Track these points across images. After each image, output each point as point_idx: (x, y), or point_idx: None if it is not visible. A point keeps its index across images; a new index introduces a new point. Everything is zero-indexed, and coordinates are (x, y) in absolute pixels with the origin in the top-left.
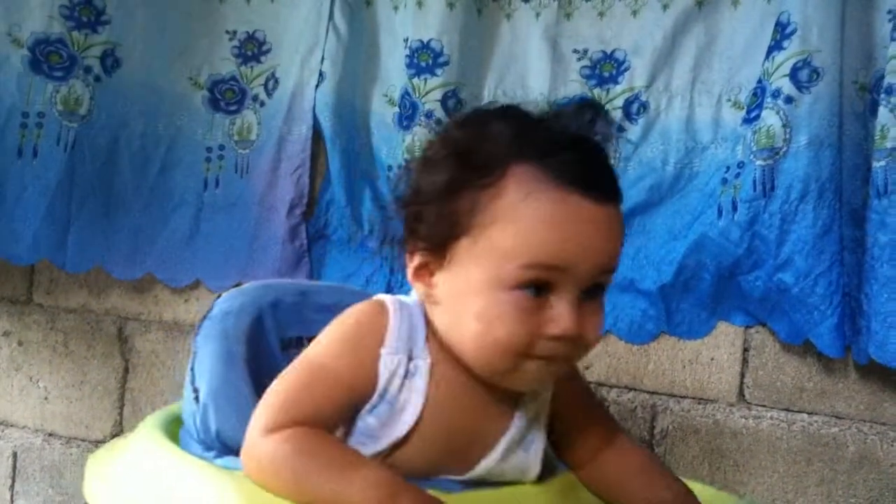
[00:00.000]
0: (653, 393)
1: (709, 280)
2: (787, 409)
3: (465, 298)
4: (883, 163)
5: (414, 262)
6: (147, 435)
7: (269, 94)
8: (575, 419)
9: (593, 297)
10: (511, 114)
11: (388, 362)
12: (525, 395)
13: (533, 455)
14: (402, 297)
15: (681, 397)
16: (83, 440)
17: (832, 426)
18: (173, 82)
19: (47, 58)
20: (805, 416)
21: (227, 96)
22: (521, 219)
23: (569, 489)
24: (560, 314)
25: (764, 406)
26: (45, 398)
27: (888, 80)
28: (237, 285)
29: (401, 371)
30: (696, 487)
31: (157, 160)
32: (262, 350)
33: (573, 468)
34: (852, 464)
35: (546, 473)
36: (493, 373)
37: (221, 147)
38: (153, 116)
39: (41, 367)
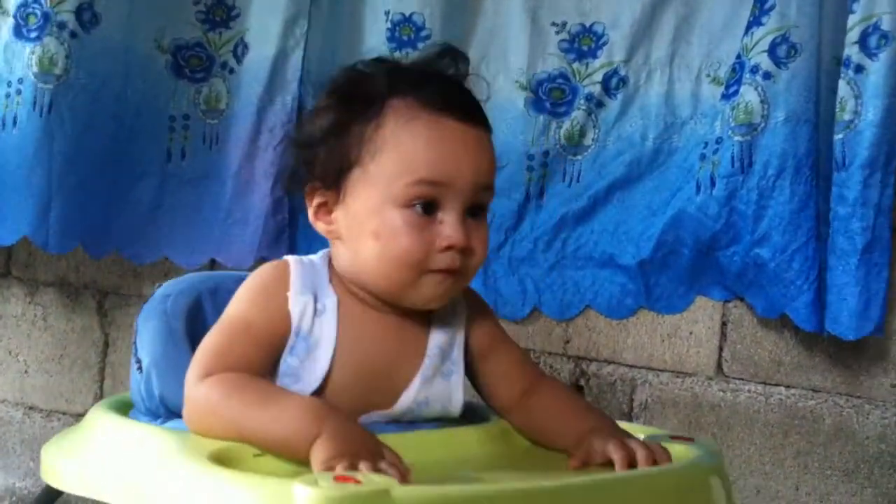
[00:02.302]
0: (632, 367)
1: (687, 255)
2: (765, 383)
3: (361, 224)
4: (841, 135)
5: (313, 203)
6: (97, 414)
7: (238, 61)
8: (497, 362)
9: (477, 216)
10: (383, 60)
11: (296, 303)
12: (435, 323)
13: (454, 383)
14: (304, 256)
15: (660, 371)
16: (64, 413)
17: (809, 399)
18: (141, 42)
19: (26, 20)
20: (782, 389)
21: (191, 63)
22: (403, 143)
23: (502, 433)
24: (448, 227)
25: (742, 379)
26: (25, 372)
27: (847, 52)
28: (212, 262)
29: (310, 309)
30: (631, 427)
31: (127, 127)
32: (201, 329)
33: (502, 414)
34: (829, 436)
35: (480, 421)
36: (396, 288)
37: (186, 117)
38: (125, 78)
39: (20, 341)
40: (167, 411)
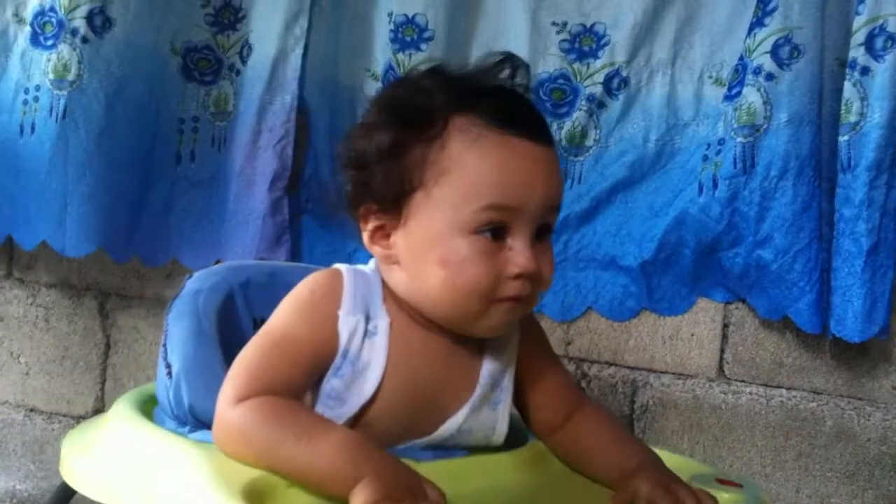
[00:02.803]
0: (633, 368)
1: (689, 256)
2: (766, 385)
3: (426, 250)
4: (846, 137)
5: (369, 226)
6: (121, 413)
7: (244, 62)
8: (542, 384)
9: (543, 239)
10: (438, 71)
11: (347, 323)
12: (488, 351)
13: (500, 412)
14: (357, 266)
15: (661, 373)
16: (65, 415)
17: (810, 401)
18: (154, 45)
19: (43, 28)
20: (783, 391)
21: (200, 66)
22: (470, 165)
23: (538, 458)
24: (519, 253)
25: (743, 381)
26: (27, 373)
27: (852, 54)
28: (217, 263)
29: (360, 331)
30: (675, 460)
31: (140, 131)
32: (234, 328)
33: (541, 437)
34: (830, 438)
35: (516, 444)
36: (461, 318)
37: (196, 119)
38: (137, 82)
39: (22, 343)
40: (195, 419)
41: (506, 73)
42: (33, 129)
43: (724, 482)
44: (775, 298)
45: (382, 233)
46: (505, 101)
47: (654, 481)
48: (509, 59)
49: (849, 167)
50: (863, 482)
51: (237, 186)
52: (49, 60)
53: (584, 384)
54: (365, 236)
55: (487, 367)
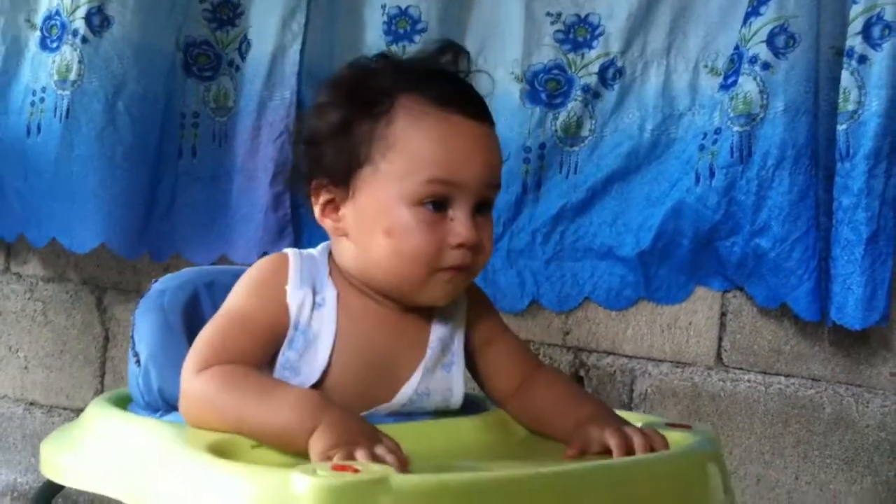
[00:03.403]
0: (632, 357)
1: (686, 246)
2: (764, 372)
3: (373, 221)
4: (845, 126)
5: (320, 200)
6: (95, 409)
7: (242, 58)
8: (495, 352)
9: (484, 213)
10: (386, 56)
11: (295, 296)
12: (436, 317)
13: (455, 375)
14: (303, 250)
15: (659, 361)
16: (64, 409)
17: (808, 388)
18: (154, 42)
19: (50, 32)
20: (782, 378)
21: (199, 61)
22: (415, 141)
23: (499, 422)
24: (460, 224)
25: (741, 369)
26: (26, 367)
27: (850, 42)
28: (223, 257)
29: (308, 302)
30: (627, 415)
31: (142, 127)
32: (199, 322)
33: (499, 403)
34: (828, 425)
35: (478, 411)
36: (407, 287)
37: (196, 114)
38: (137, 79)
39: (21, 337)
40: (166, 404)
41: (448, 58)
42: (39, 129)
43: (674, 425)
44: (773, 286)
45: (332, 206)
46: (447, 83)
47: (603, 426)
48: (450, 46)
49: (847, 156)
50: (861, 468)
51: (239, 181)
52: (54, 62)
53: (582, 374)
54: (316, 210)
55: (436, 331)
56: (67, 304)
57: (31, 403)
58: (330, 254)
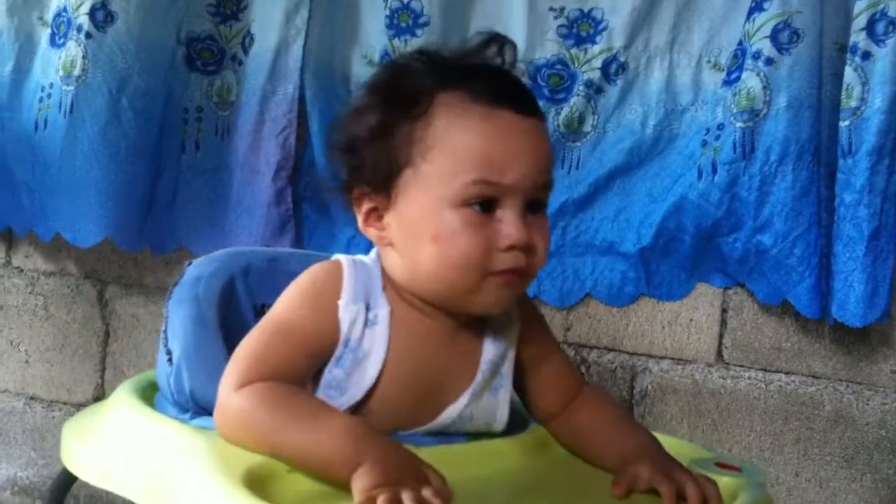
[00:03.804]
0: (632, 354)
1: (688, 242)
2: (765, 369)
3: (417, 227)
4: (847, 122)
5: (362, 209)
6: (123, 400)
7: (245, 52)
8: (542, 370)
9: (536, 213)
10: (425, 53)
11: (347, 312)
12: (488, 337)
13: (501, 399)
14: (357, 256)
15: (660, 358)
16: (65, 403)
17: (809, 386)
18: (157, 36)
19: (58, 28)
20: (782, 375)
21: (203, 56)
22: (456, 139)
23: (540, 443)
24: (509, 225)
25: (742, 366)
26: (26, 362)
27: (853, 39)
28: None
29: (360, 319)
30: (674, 444)
31: (146, 122)
32: (234, 314)
33: (542, 422)
34: (828, 422)
35: (517, 429)
36: (457, 295)
37: (199, 109)
38: (141, 74)
39: (21, 331)
40: (196, 405)
41: (492, 51)
42: (46, 124)
43: (724, 466)
44: (775, 283)
45: (376, 215)
46: (489, 77)
47: (654, 466)
48: (495, 37)
49: (850, 152)
50: (861, 466)
51: (241, 176)
52: (60, 58)
53: (583, 370)
54: (359, 220)
55: (488, 353)
56: (68, 298)
57: (32, 398)
58: (382, 265)
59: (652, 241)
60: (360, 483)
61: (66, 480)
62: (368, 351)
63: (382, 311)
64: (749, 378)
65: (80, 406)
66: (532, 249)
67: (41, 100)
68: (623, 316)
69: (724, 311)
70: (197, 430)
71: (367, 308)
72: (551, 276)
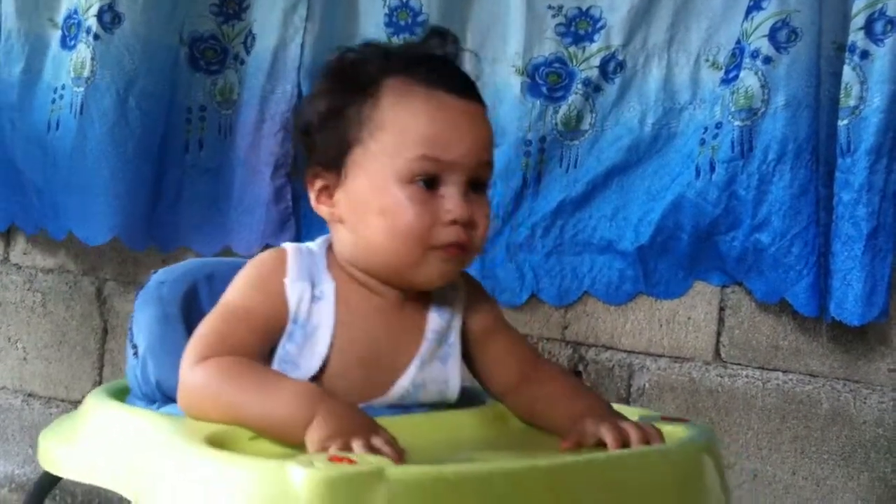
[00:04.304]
0: (630, 352)
1: (686, 240)
2: (763, 368)
3: (365, 203)
4: (846, 121)
5: (315, 187)
6: (94, 401)
7: (247, 52)
8: (494, 346)
9: (479, 192)
10: (373, 44)
11: (293, 289)
12: (433, 307)
13: (451, 367)
14: (303, 244)
15: (658, 356)
16: (63, 400)
17: (806, 384)
18: (162, 37)
19: (69, 31)
20: (780, 374)
21: (206, 55)
22: (402, 118)
23: (496, 416)
24: (451, 201)
25: (739, 364)
26: (24, 359)
27: (852, 38)
28: (227, 248)
29: (307, 296)
30: (624, 409)
31: (152, 121)
32: (197, 316)
33: (499, 398)
34: (826, 421)
35: (474, 405)
36: (403, 266)
37: (202, 108)
38: (147, 74)
39: (19, 328)
40: (163, 396)
41: (435, 42)
42: (58, 125)
43: (669, 419)
44: (772, 282)
45: (327, 193)
46: (431, 63)
47: (600, 419)
48: (436, 30)
49: (848, 151)
50: (858, 464)
51: (242, 174)
52: (71, 60)
53: (581, 368)
54: (312, 198)
55: (433, 322)
56: (66, 295)
57: (30, 395)
58: (329, 247)
59: (650, 240)
60: (313, 435)
61: (48, 483)
62: (317, 325)
63: (328, 286)
64: (746, 376)
65: (77, 403)
66: (473, 225)
67: (54, 101)
68: (621, 314)
69: (721, 309)
70: (164, 416)
71: (313, 285)
72: (549, 274)
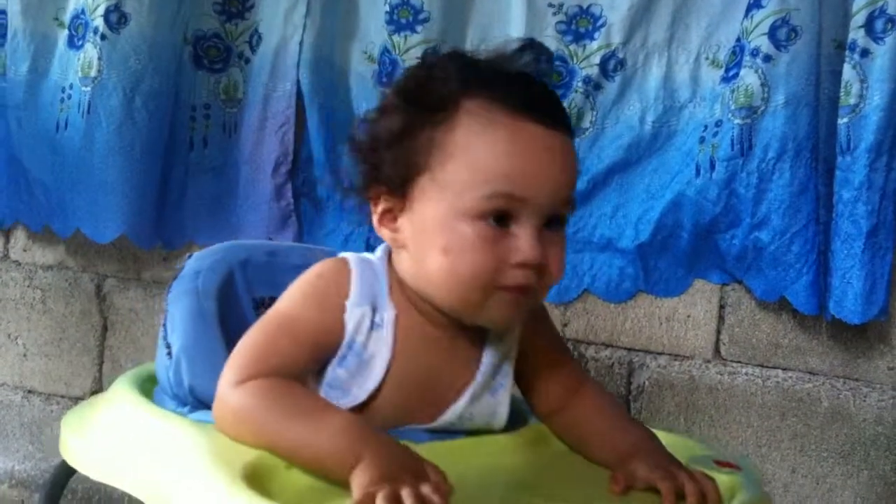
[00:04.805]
0: (630, 350)
1: (686, 238)
2: (762, 366)
3: (429, 235)
4: (846, 119)
5: (378, 209)
6: (122, 392)
7: (253, 51)
8: (543, 367)
9: (555, 230)
10: (456, 55)
11: (354, 314)
12: (490, 339)
13: (500, 399)
14: (364, 255)
15: (657, 354)
16: (63, 397)
17: (806, 382)
18: (167, 36)
19: (77, 30)
20: (780, 372)
21: (210, 54)
22: (477, 150)
23: (538, 439)
24: (523, 242)
25: (739, 362)
26: (24, 355)
27: (852, 36)
28: None
29: (366, 322)
30: (672, 440)
31: (157, 120)
32: (234, 308)
33: (542, 418)
34: (825, 419)
35: (517, 425)
36: (463, 307)
37: (207, 106)
38: (153, 73)
39: (19, 325)
40: (195, 399)
41: (528, 58)
42: (66, 125)
43: (722, 464)
44: (772, 280)
45: (390, 216)
46: (518, 85)
47: (652, 463)
48: (531, 45)
49: (848, 149)
50: (858, 462)
51: (246, 172)
52: (79, 60)
53: (581, 366)
54: (374, 219)
55: (489, 354)
56: (66, 291)
57: (30, 391)
58: (389, 261)
59: (650, 238)
60: (359, 479)
61: (64, 474)
62: (373, 354)
63: (388, 314)
64: (746, 374)
65: (77, 400)
66: (544, 268)
67: (62, 101)
68: (621, 312)
69: (721, 307)
70: (196, 425)
71: (374, 310)
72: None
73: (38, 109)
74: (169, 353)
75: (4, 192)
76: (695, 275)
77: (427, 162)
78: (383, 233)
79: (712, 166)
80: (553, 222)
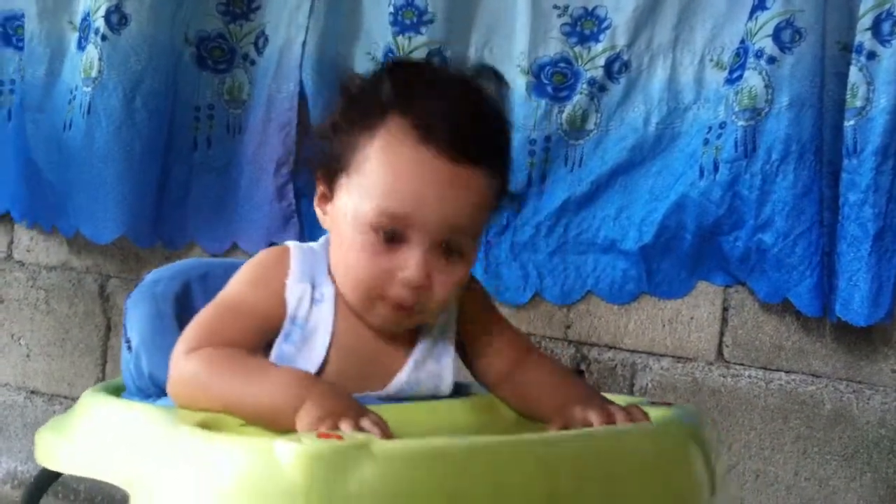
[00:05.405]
0: (633, 352)
1: (689, 240)
2: (765, 368)
3: (341, 229)
4: (852, 122)
5: (318, 190)
6: (88, 398)
7: (259, 53)
8: (485, 339)
9: (451, 258)
10: (406, 66)
11: (294, 290)
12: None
13: (445, 365)
14: (306, 243)
15: (660, 356)
16: (65, 397)
17: (809, 384)
18: (168, 36)
19: (84, 32)
20: (783, 374)
21: (214, 54)
22: (381, 166)
23: (488, 405)
24: (408, 262)
25: (742, 364)
26: (27, 356)
27: (858, 38)
28: (234, 245)
29: (307, 297)
30: (614, 398)
31: (159, 120)
32: (190, 314)
33: (489, 387)
34: (828, 421)
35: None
36: (354, 303)
37: (211, 106)
38: (154, 73)
39: (23, 325)
40: (157, 389)
41: (482, 77)
42: (71, 125)
43: (656, 403)
44: (776, 282)
45: (324, 199)
46: (443, 113)
47: (587, 404)
48: (488, 72)
49: (855, 152)
50: (861, 465)
51: (250, 172)
52: (83, 61)
53: (583, 367)
54: (315, 197)
55: (426, 328)
56: (70, 292)
57: (33, 392)
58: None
59: (653, 240)
60: (302, 419)
61: (44, 482)
62: (315, 327)
63: (328, 289)
64: (749, 376)
65: None
66: (427, 288)
67: (69, 102)
68: (624, 314)
69: (724, 309)
70: (156, 407)
71: (314, 287)
72: (553, 273)
73: (52, 112)
74: (129, 348)
75: (23, 192)
76: (698, 277)
77: (349, 162)
78: (317, 211)
79: (716, 168)
80: (452, 251)
